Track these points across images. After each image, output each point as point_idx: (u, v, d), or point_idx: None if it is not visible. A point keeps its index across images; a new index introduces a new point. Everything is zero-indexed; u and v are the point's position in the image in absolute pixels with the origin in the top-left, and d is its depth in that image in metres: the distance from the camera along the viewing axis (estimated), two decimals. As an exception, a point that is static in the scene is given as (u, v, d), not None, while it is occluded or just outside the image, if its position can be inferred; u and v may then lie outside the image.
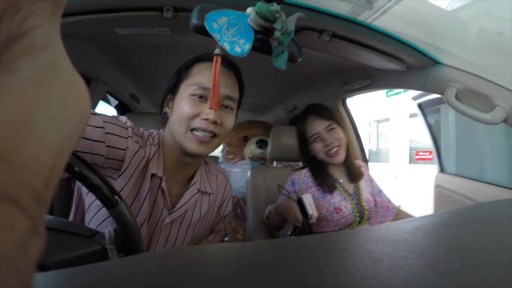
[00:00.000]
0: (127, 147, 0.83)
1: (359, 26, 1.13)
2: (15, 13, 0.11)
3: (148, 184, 0.88)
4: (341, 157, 1.50)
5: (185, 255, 0.28)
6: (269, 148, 2.00)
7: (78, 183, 0.91)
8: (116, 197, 0.64)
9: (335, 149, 1.48)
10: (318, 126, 1.51)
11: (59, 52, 0.13)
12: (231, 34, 0.72)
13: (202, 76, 0.89)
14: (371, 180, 1.64)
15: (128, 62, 1.99)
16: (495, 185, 1.70)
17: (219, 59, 0.75)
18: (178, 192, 0.97)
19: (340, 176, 1.55)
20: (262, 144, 2.73)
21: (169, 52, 1.77)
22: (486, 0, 1.01)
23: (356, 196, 1.50)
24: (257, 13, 0.72)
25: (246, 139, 2.88)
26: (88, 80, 1.88)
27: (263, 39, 0.77)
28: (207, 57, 0.90)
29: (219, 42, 0.71)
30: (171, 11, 1.05)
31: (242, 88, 0.99)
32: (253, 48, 0.76)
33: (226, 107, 0.92)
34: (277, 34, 0.75)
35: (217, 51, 0.74)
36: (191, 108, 0.87)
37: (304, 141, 1.59)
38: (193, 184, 0.99)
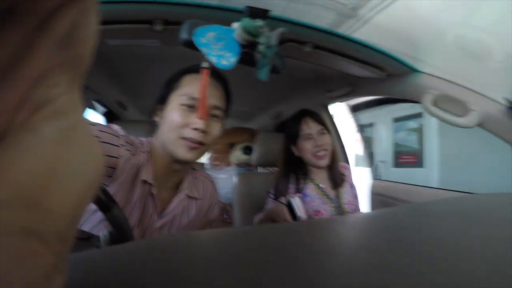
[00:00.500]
0: (119, 155, 0.86)
1: (339, 37, 1.18)
2: (41, 84, 0.13)
3: (138, 190, 0.91)
4: (326, 161, 1.53)
5: (179, 241, 0.31)
6: (255, 154, 2.03)
7: None
8: (110, 201, 0.68)
9: (323, 152, 1.52)
10: (312, 127, 1.55)
11: (78, 117, 0.15)
12: (218, 48, 0.77)
13: (191, 87, 0.93)
14: (351, 184, 1.67)
15: (115, 69, 2.00)
16: (428, 187, 1.77)
17: (207, 72, 0.80)
18: (167, 198, 1.01)
19: (322, 181, 1.58)
20: (248, 150, 2.75)
21: (156, 60, 1.80)
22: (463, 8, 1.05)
23: (337, 200, 1.54)
24: (242, 28, 0.77)
25: (232, 146, 2.89)
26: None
27: (248, 53, 0.82)
28: (196, 69, 0.91)
29: (206, 56, 0.76)
30: (161, 24, 1.09)
31: (230, 98, 1.04)
32: (239, 61, 0.80)
33: (214, 116, 0.97)
34: (261, 48, 0.79)
35: (205, 64, 0.79)
36: (181, 117, 0.91)
37: (291, 140, 1.62)
38: (182, 190, 1.03)
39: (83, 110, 0.16)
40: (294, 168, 1.61)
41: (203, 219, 1.12)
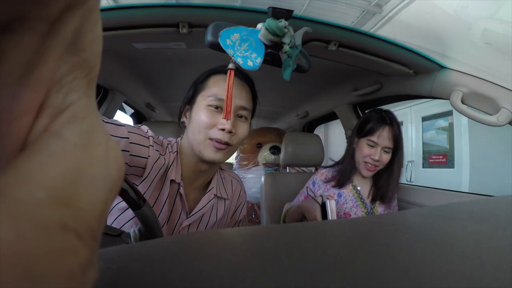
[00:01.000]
0: (149, 156, 0.88)
1: (364, 35, 1.17)
2: (58, 90, 0.14)
3: (167, 189, 0.93)
4: (370, 174, 1.48)
5: (204, 237, 0.32)
6: (282, 154, 2.03)
7: None
8: (141, 200, 0.70)
9: (372, 166, 1.46)
10: (383, 140, 1.44)
11: (96, 120, 0.16)
12: (243, 49, 0.78)
13: (218, 88, 0.94)
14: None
15: (144, 72, 2.06)
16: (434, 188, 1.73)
17: (233, 73, 0.81)
18: (196, 198, 1.03)
19: (361, 185, 1.54)
20: (275, 150, 2.75)
21: (183, 62, 1.83)
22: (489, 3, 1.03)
23: (372, 207, 1.50)
24: (266, 29, 0.78)
25: (259, 146, 2.91)
26: (106, 91, 1.95)
27: (273, 53, 0.83)
28: (222, 70, 0.96)
29: (233, 57, 0.77)
30: (187, 27, 1.12)
31: (255, 98, 1.05)
32: (264, 61, 0.81)
33: (241, 116, 0.97)
34: (286, 47, 0.80)
35: (231, 65, 0.80)
36: (208, 118, 0.92)
37: (358, 133, 1.54)
38: (210, 190, 1.05)
39: (98, 114, 0.17)
40: (349, 161, 1.56)
41: (231, 219, 1.15)
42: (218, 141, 0.92)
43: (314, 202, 1.34)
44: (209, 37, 0.79)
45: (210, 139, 0.92)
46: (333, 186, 1.53)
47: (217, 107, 0.93)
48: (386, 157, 1.46)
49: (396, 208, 1.57)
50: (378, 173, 1.51)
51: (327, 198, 1.31)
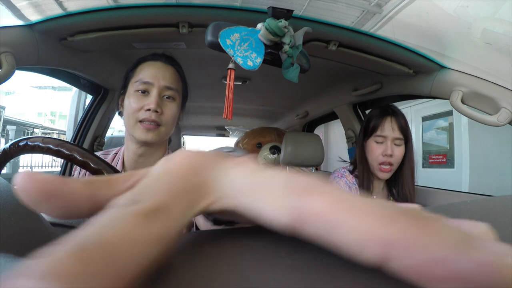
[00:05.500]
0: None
1: (364, 35, 1.17)
2: None
3: None
4: (387, 176, 1.39)
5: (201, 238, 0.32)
6: (282, 154, 2.03)
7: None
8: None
9: (388, 166, 1.36)
10: (392, 131, 1.35)
11: None
12: (243, 49, 0.78)
13: (143, 73, 1.00)
14: None
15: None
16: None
17: (233, 72, 0.82)
18: None
19: (377, 191, 1.46)
20: (275, 150, 2.75)
21: (183, 62, 1.83)
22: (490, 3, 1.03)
23: None
24: (266, 29, 0.78)
25: (259, 146, 2.90)
26: (106, 91, 1.94)
27: (273, 53, 0.83)
28: (148, 58, 1.05)
29: (233, 58, 0.77)
30: (187, 27, 1.12)
31: (184, 79, 1.11)
32: (264, 61, 0.81)
33: (168, 97, 1.02)
34: (286, 47, 0.80)
35: (230, 65, 0.80)
36: (136, 103, 0.98)
37: (365, 135, 1.44)
38: None
39: None
40: (362, 168, 1.44)
41: None
42: (147, 121, 0.97)
43: None
44: (209, 37, 0.79)
45: (140, 121, 0.98)
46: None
47: (143, 91, 0.99)
48: (399, 151, 1.36)
49: None
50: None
51: None
